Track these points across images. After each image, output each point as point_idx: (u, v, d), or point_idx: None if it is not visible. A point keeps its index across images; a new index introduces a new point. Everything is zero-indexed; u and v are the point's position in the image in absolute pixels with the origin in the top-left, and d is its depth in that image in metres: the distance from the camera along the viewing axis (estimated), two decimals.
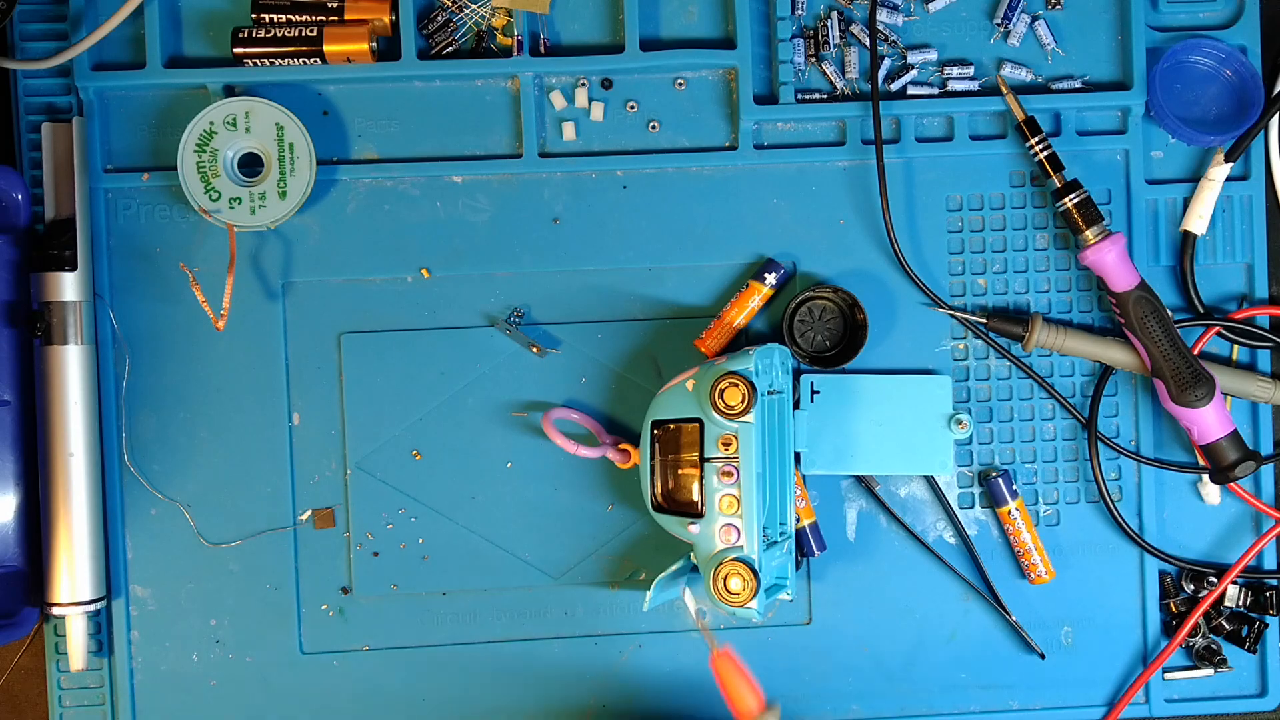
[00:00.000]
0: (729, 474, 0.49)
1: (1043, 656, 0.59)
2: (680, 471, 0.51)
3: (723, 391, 0.49)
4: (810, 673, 0.58)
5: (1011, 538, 0.58)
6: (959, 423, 0.57)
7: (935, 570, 0.58)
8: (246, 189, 0.54)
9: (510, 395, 0.57)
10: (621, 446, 0.56)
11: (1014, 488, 0.58)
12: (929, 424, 0.57)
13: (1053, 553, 0.58)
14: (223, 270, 0.55)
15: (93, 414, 0.55)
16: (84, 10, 0.55)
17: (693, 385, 0.50)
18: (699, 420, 0.50)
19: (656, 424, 0.52)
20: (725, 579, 0.50)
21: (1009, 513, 0.57)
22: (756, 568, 0.50)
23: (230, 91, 0.55)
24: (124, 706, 0.57)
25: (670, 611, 0.58)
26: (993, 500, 0.58)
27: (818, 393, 0.56)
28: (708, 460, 0.50)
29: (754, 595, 0.49)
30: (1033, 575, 0.58)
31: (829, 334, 0.57)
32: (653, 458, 0.52)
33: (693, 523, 0.51)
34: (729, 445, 0.49)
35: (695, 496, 0.51)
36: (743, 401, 0.48)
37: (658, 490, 0.52)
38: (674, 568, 0.53)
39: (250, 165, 0.55)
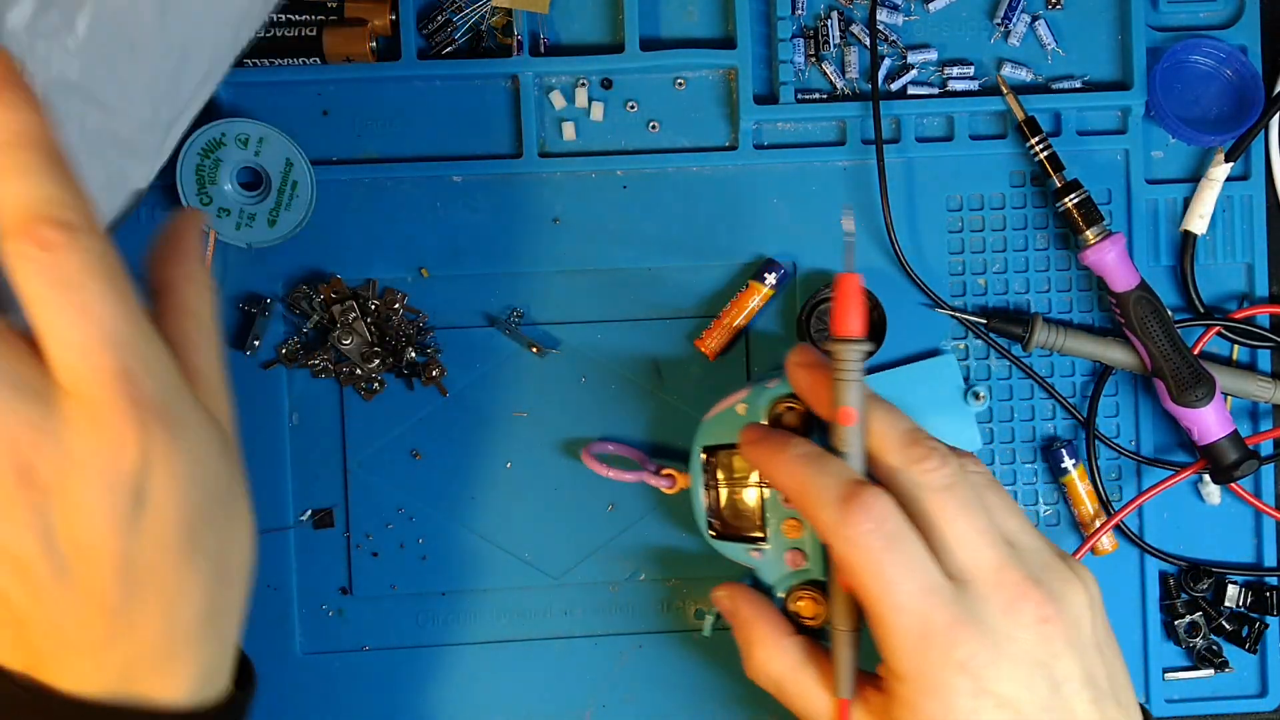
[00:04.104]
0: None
1: None
2: (737, 497, 0.49)
3: (780, 416, 0.46)
4: None
5: None
6: (976, 395, 0.57)
7: None
8: (239, 204, 0.54)
9: (510, 395, 0.57)
10: (665, 472, 0.55)
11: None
12: (946, 404, 0.57)
13: None
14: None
15: None
16: None
17: (744, 409, 0.48)
18: None
19: (707, 449, 0.49)
20: (798, 606, 0.46)
21: None
22: (828, 588, 0.45)
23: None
24: None
25: (670, 611, 0.58)
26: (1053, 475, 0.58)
27: None
28: (767, 483, 0.47)
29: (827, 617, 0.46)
30: None
31: None
32: (706, 486, 0.49)
33: (755, 549, 0.48)
34: None
35: (757, 522, 0.48)
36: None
37: (715, 518, 0.49)
38: None
39: (251, 182, 0.55)
